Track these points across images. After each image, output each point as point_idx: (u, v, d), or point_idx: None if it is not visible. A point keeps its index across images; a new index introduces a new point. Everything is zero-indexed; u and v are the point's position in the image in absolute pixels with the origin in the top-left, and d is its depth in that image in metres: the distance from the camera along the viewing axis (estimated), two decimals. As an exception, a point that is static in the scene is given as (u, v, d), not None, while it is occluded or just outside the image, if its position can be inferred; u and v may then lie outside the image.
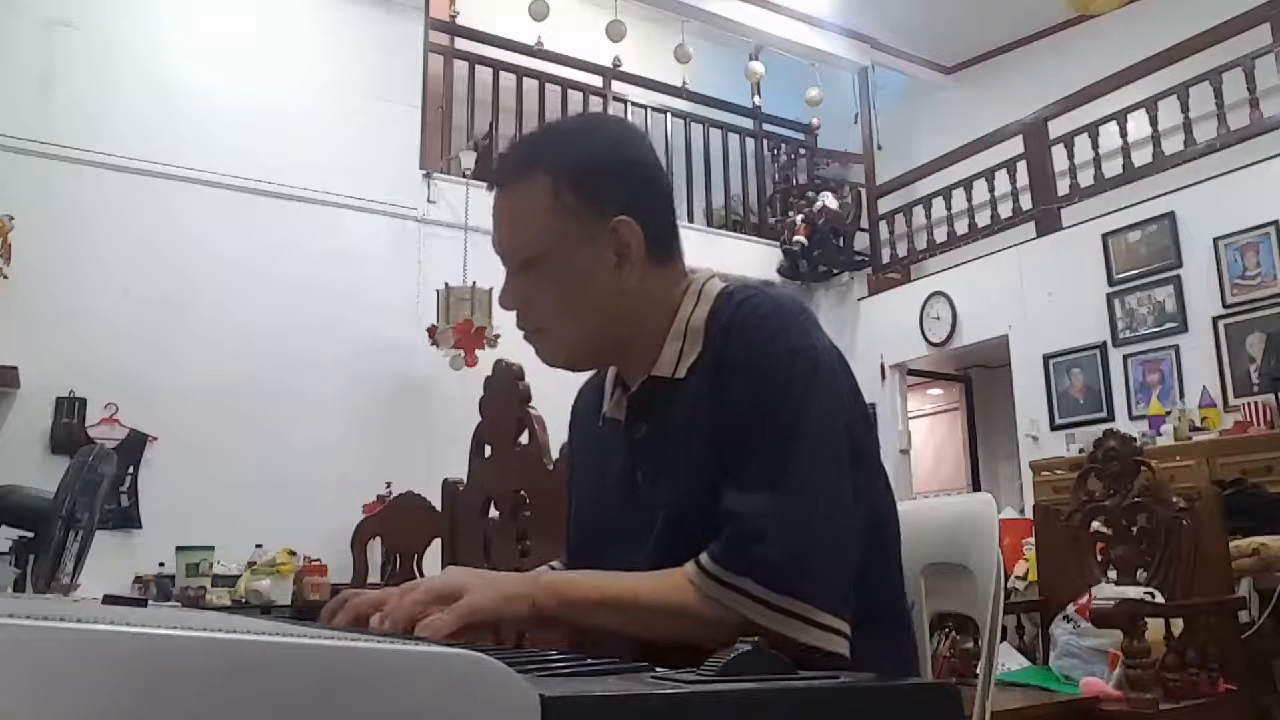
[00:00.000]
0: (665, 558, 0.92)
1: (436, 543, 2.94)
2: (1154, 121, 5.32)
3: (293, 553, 4.66)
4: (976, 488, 7.23)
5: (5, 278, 4.31)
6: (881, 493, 0.99)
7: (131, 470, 4.57)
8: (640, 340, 1.01)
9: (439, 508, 2.51)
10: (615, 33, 6.28)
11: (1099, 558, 2.84)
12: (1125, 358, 5.32)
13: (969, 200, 6.36)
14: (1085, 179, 5.70)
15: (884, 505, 0.99)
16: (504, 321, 5.17)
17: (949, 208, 6.52)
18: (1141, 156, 5.40)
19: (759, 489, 0.87)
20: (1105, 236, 5.43)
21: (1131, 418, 5.16)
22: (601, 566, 1.01)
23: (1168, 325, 5.14)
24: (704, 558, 0.87)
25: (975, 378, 7.52)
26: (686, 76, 6.72)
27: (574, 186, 0.97)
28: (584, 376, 1.22)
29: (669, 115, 6.73)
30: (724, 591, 0.85)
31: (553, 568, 1.19)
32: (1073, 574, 2.88)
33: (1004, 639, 2.94)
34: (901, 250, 7.01)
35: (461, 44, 6.25)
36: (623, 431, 1.04)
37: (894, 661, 0.96)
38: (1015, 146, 6.11)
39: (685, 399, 0.97)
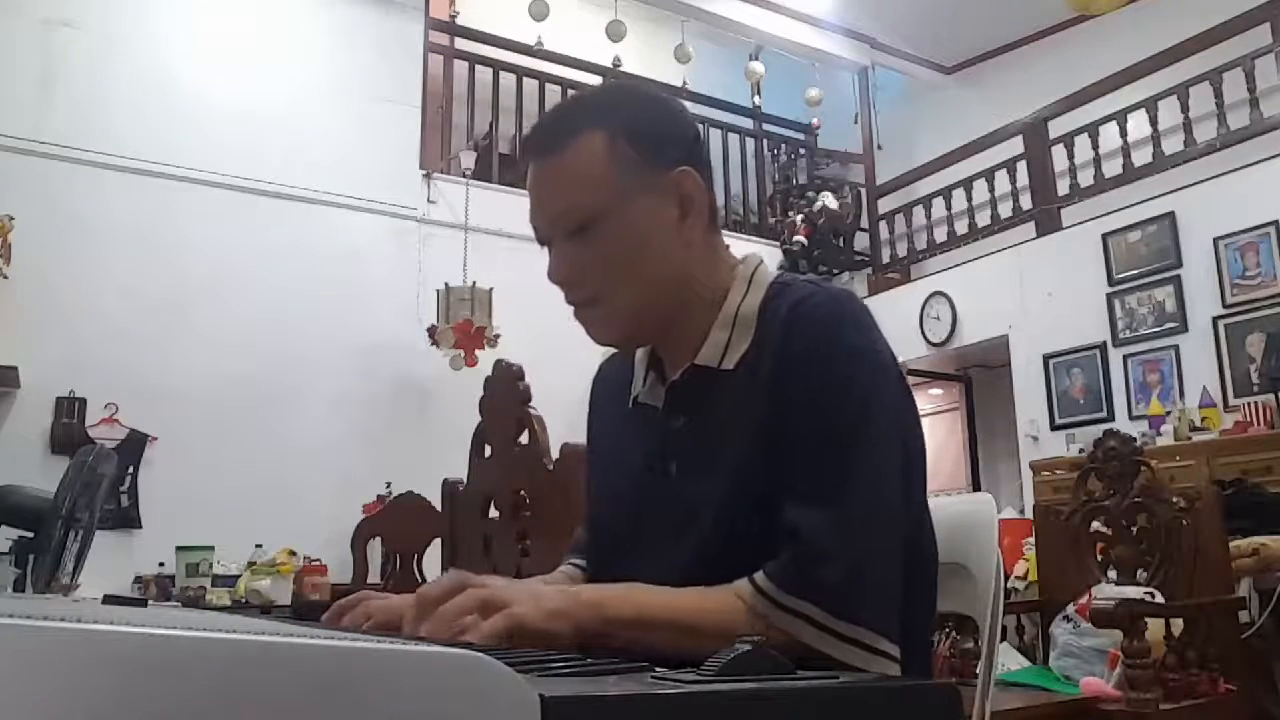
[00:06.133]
0: (709, 563, 0.88)
1: (436, 543, 2.94)
2: (1154, 121, 5.33)
3: (293, 553, 4.66)
4: (976, 488, 7.22)
5: (5, 278, 4.31)
6: (924, 501, 0.96)
7: (131, 470, 4.57)
8: (687, 320, 0.97)
9: (439, 508, 2.52)
10: (615, 33, 6.28)
11: (1099, 558, 2.84)
12: (1125, 358, 5.32)
13: (969, 200, 6.36)
14: (1085, 179, 5.70)
15: (925, 514, 0.97)
16: (504, 321, 5.21)
17: (949, 208, 6.53)
18: (1141, 156, 5.40)
19: (820, 505, 0.83)
20: (1105, 236, 5.43)
21: (1131, 418, 5.16)
22: (627, 560, 0.98)
23: (1168, 325, 5.14)
24: (760, 578, 0.83)
25: (975, 378, 7.52)
26: (686, 76, 6.71)
27: (631, 141, 0.93)
28: (588, 370, 1.19)
29: (669, 115, 6.72)
30: (781, 615, 0.81)
31: (574, 565, 1.13)
32: (1073, 574, 2.87)
33: (1004, 639, 2.94)
34: (901, 250, 7.01)
35: (461, 44, 6.25)
36: (657, 419, 1.00)
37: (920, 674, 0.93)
38: (1015, 146, 6.11)
39: (732, 392, 0.93)
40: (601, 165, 0.92)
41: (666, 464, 0.97)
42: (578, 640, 0.79)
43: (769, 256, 6.78)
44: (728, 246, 1.02)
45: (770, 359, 0.91)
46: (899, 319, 6.52)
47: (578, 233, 0.93)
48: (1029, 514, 3.70)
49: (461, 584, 0.79)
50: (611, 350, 1.14)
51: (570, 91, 6.34)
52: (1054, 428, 5.65)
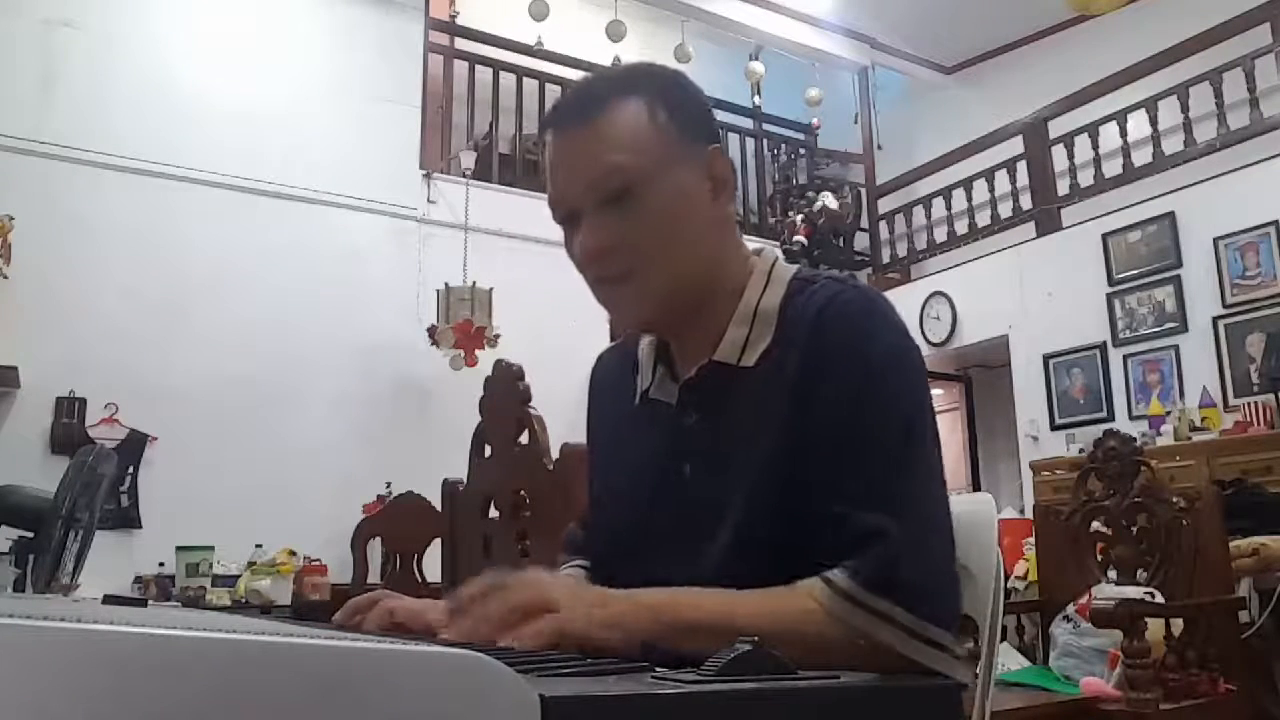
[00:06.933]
0: (729, 563, 0.86)
1: (436, 543, 2.94)
2: (1154, 121, 5.33)
3: (293, 553, 4.66)
4: (976, 488, 7.22)
5: (5, 278, 4.31)
6: None
7: (131, 470, 4.57)
8: (706, 311, 0.94)
9: (439, 508, 2.52)
10: (615, 33, 6.28)
11: (1099, 558, 2.84)
12: (1125, 358, 5.32)
13: (969, 200, 6.37)
14: (1085, 179, 5.70)
15: None
16: (504, 321, 5.21)
17: (949, 208, 6.53)
18: (1141, 156, 5.40)
19: (889, 506, 0.81)
20: (1105, 236, 5.43)
21: (1131, 418, 5.16)
22: (635, 561, 0.96)
23: (1168, 325, 5.14)
24: (839, 578, 0.78)
25: (975, 378, 7.52)
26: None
27: (669, 109, 0.91)
28: (588, 369, 1.16)
29: (669, 115, 6.72)
30: (863, 616, 0.78)
31: (579, 566, 1.10)
32: (1073, 574, 2.87)
33: (1004, 639, 2.94)
34: (901, 250, 7.01)
35: (461, 44, 6.25)
36: (669, 416, 0.97)
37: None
38: (1015, 146, 6.11)
39: (752, 390, 0.90)
40: (644, 128, 0.90)
41: (679, 463, 0.95)
42: (630, 649, 0.74)
43: (769, 256, 6.79)
44: (743, 242, 1.01)
45: (797, 357, 0.88)
46: (899, 319, 6.52)
47: (613, 202, 0.89)
48: (1029, 514, 3.70)
49: (501, 585, 0.74)
50: (608, 344, 1.12)
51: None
52: (1054, 428, 5.65)
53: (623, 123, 0.90)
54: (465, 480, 2.28)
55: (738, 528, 0.87)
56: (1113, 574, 2.76)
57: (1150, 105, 5.36)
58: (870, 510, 0.81)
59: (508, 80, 6.18)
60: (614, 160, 0.89)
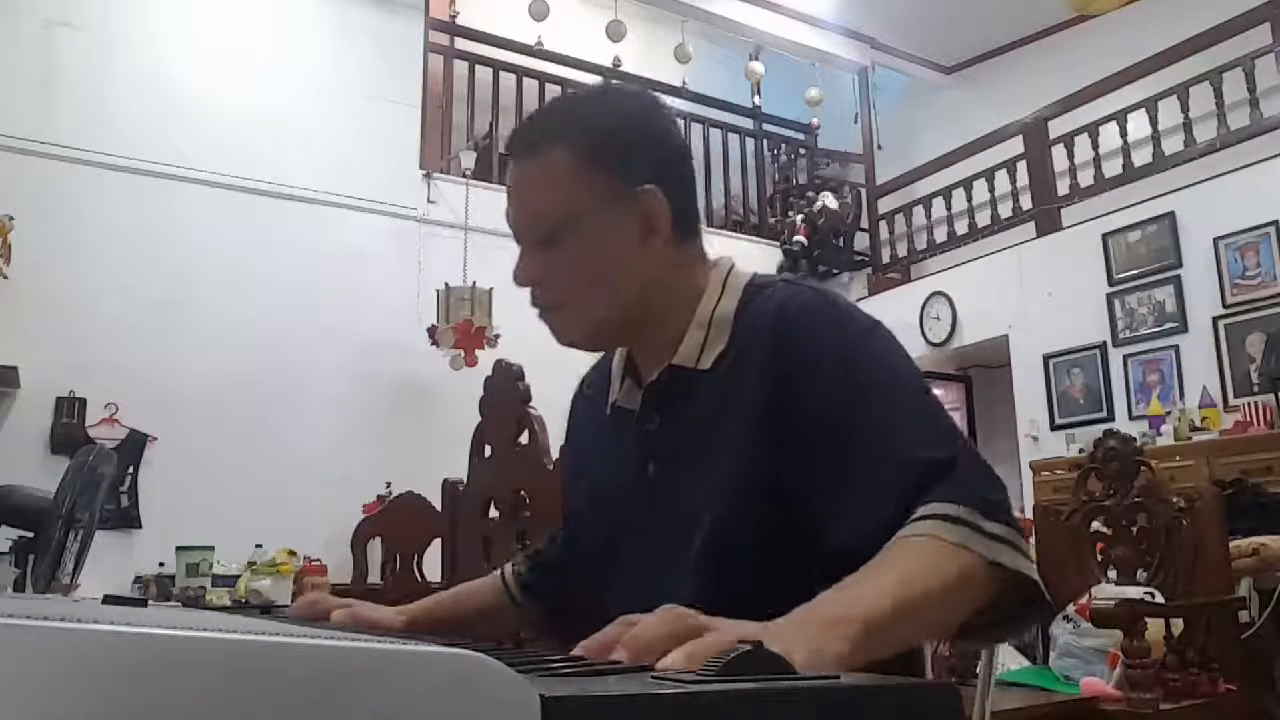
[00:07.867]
0: (707, 560, 0.88)
1: (436, 543, 2.94)
2: (1154, 121, 5.33)
3: (293, 553, 4.66)
4: (976, 488, 7.21)
5: (5, 278, 4.31)
6: None
7: (131, 470, 4.57)
8: (659, 324, 0.97)
9: (439, 508, 2.52)
10: (615, 33, 6.29)
11: (1099, 558, 2.84)
12: (1125, 358, 5.32)
13: (969, 200, 6.37)
14: (1085, 179, 5.70)
15: None
16: (504, 321, 5.20)
17: (949, 208, 6.53)
18: (1141, 156, 5.40)
19: (939, 437, 0.83)
20: (1105, 236, 5.43)
21: (1131, 418, 5.16)
22: (614, 570, 0.98)
23: (1168, 325, 5.14)
24: (953, 510, 0.77)
25: (975, 378, 7.52)
26: (686, 76, 6.71)
27: (595, 153, 0.93)
28: (582, 372, 1.19)
29: (669, 115, 6.72)
30: (981, 539, 0.77)
31: (514, 569, 1.16)
32: (1073, 574, 2.87)
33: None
34: (901, 250, 7.01)
35: (461, 44, 6.25)
36: (634, 422, 1.00)
37: (900, 663, 0.94)
38: (1015, 146, 6.11)
39: (710, 394, 0.93)
40: (564, 178, 0.93)
41: (644, 466, 0.98)
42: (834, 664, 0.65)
43: (769, 256, 6.80)
44: (703, 254, 1.02)
45: (758, 362, 0.90)
46: (899, 319, 6.51)
47: (543, 241, 0.94)
48: (1029, 514, 3.69)
49: (682, 622, 0.60)
50: (593, 356, 1.14)
51: (570, 91, 6.34)
52: (1054, 428, 5.64)
53: (547, 173, 0.93)
54: (465, 480, 2.28)
55: (709, 536, 0.89)
56: (1113, 574, 2.76)
57: (1150, 105, 5.36)
58: (925, 446, 0.82)
59: (508, 80, 6.18)
60: (536, 208, 0.94)
